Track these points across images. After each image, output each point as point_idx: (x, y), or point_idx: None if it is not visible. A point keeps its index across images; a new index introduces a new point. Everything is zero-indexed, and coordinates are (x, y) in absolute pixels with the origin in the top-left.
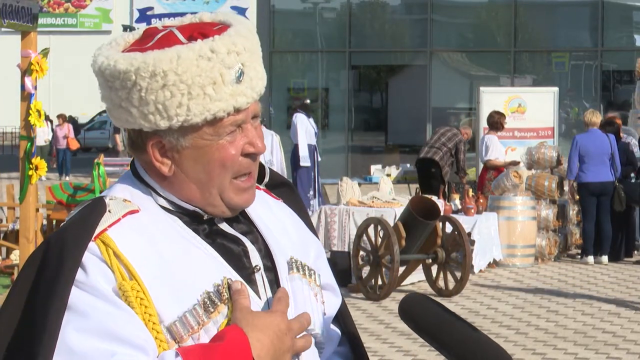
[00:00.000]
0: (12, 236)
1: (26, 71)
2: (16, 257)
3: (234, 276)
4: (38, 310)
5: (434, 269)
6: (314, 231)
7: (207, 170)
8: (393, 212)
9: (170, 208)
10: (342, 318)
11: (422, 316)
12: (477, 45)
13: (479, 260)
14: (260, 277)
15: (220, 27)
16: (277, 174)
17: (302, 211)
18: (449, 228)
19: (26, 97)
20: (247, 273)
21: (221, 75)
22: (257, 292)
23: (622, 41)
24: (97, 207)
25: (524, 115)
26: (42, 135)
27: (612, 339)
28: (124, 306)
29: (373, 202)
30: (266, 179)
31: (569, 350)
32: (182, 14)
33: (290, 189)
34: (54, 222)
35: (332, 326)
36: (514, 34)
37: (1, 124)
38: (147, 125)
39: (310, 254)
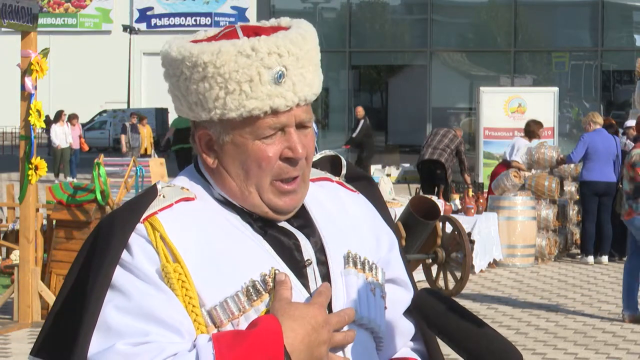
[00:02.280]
0: (12, 236)
1: (26, 71)
2: (16, 257)
3: (283, 268)
4: (86, 288)
5: (434, 269)
6: (392, 223)
7: (244, 168)
8: (393, 212)
9: (226, 201)
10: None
11: (433, 310)
12: (477, 45)
13: (479, 260)
14: (312, 271)
15: (278, 30)
16: (355, 167)
17: (381, 204)
18: (449, 228)
19: (26, 97)
20: (298, 267)
21: (259, 74)
22: (307, 286)
23: (622, 41)
24: (150, 192)
25: (524, 115)
26: (63, 137)
27: (612, 339)
28: (164, 288)
29: None
30: (343, 171)
31: (569, 350)
32: (182, 14)
33: (369, 182)
34: (54, 222)
35: (404, 320)
36: (514, 34)
37: (1, 124)
38: (192, 115)
39: (382, 247)
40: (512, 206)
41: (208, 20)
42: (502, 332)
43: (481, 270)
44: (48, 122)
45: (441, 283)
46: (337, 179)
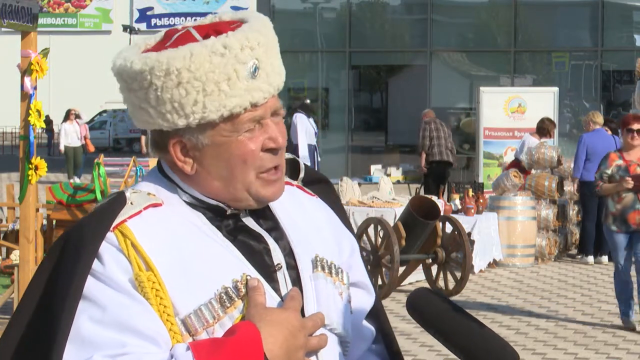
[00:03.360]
0: (12, 236)
1: (26, 71)
2: (16, 257)
3: (254, 274)
4: (55, 299)
5: (434, 269)
6: (350, 227)
7: (229, 167)
8: (393, 212)
9: (195, 203)
10: (377, 316)
11: (429, 310)
12: (477, 45)
13: (479, 260)
14: (282, 276)
15: (236, 25)
16: (312, 170)
17: (338, 208)
18: (449, 228)
19: (26, 97)
20: (268, 271)
21: (235, 71)
22: (278, 290)
23: (622, 41)
24: (118, 200)
25: (524, 115)
26: (74, 135)
27: (612, 339)
28: (138, 297)
29: (373, 202)
30: (301, 175)
31: (569, 350)
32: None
33: (326, 184)
34: (54, 222)
35: (365, 324)
36: (514, 34)
37: (1, 124)
38: (166, 125)
39: (344, 252)
40: (512, 206)
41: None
42: (502, 332)
43: (481, 270)
44: (48, 122)
45: (441, 283)
46: (296, 182)
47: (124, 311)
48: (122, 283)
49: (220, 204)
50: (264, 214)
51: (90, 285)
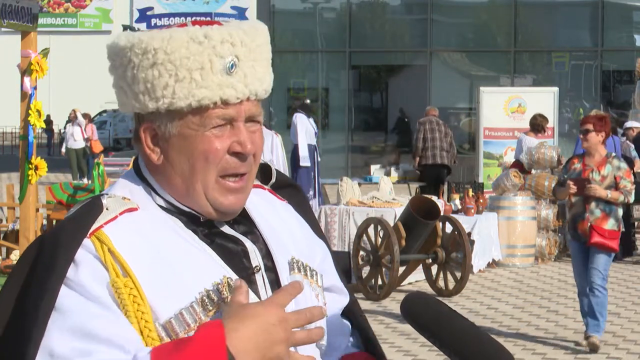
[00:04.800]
0: (12, 236)
1: (26, 71)
2: (16, 257)
3: (233, 277)
4: (29, 308)
5: (434, 269)
6: (321, 232)
7: (190, 162)
8: (393, 212)
9: (169, 208)
10: (352, 312)
11: (424, 314)
12: (477, 45)
13: (479, 260)
14: (261, 278)
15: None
16: (283, 175)
17: (308, 213)
18: (449, 228)
19: (26, 96)
20: (246, 273)
21: (210, 62)
22: (257, 292)
23: (622, 41)
24: (94, 205)
25: (524, 115)
26: (78, 136)
27: (612, 339)
28: (110, 305)
29: (373, 202)
30: (272, 180)
31: (569, 350)
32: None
33: (296, 190)
34: (54, 222)
35: (343, 321)
36: (514, 34)
37: (1, 124)
38: (138, 106)
39: (316, 256)
40: (512, 206)
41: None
42: (502, 332)
43: (481, 270)
44: (48, 122)
45: (441, 283)
46: (267, 187)
47: (93, 320)
48: (94, 291)
49: (192, 211)
50: (237, 218)
51: (63, 294)
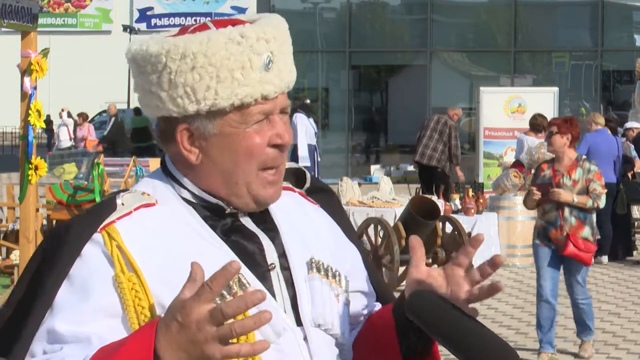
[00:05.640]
0: (12, 236)
1: (26, 71)
2: (16, 257)
3: (246, 273)
4: (32, 301)
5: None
6: (355, 237)
7: (233, 159)
8: (393, 212)
9: (193, 200)
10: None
11: (428, 310)
12: (477, 45)
13: (479, 260)
14: (276, 275)
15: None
16: (317, 180)
17: (342, 218)
18: (449, 228)
19: (25, 96)
20: (261, 271)
21: (250, 61)
22: (271, 289)
23: (622, 41)
24: (108, 201)
25: (524, 115)
26: (64, 136)
27: (612, 339)
28: (94, 296)
29: (373, 202)
30: (307, 185)
31: (569, 350)
32: (182, 14)
33: (330, 194)
34: (54, 222)
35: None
36: (514, 34)
37: (1, 124)
38: (176, 110)
39: (347, 260)
40: (512, 206)
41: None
42: (502, 332)
43: None
44: (48, 122)
45: None
46: (299, 190)
47: (73, 314)
48: (83, 283)
49: (220, 202)
50: (261, 216)
51: (63, 287)
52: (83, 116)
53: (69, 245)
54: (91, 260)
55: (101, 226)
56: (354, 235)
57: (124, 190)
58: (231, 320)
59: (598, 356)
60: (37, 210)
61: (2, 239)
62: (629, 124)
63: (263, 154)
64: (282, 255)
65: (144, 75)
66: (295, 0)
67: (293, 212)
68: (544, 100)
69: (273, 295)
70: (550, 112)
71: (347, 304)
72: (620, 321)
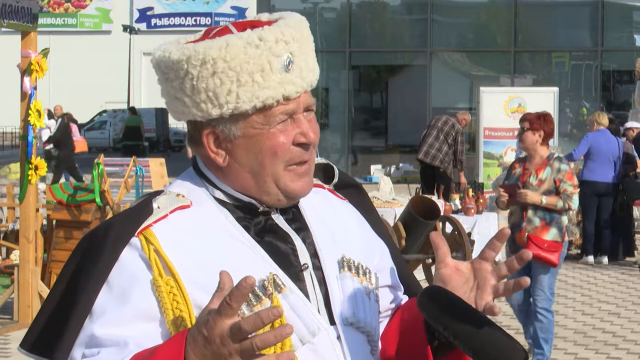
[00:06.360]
0: (12, 236)
1: (26, 71)
2: (16, 257)
3: (280, 274)
4: (69, 307)
5: (434, 269)
6: (385, 232)
7: (259, 159)
8: (393, 212)
9: (226, 200)
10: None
11: (440, 306)
12: (477, 45)
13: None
14: (309, 275)
15: (274, 22)
16: (346, 175)
17: (370, 213)
18: (449, 228)
19: (25, 96)
20: (295, 271)
21: (269, 63)
22: (305, 290)
23: (622, 41)
24: (145, 204)
25: None
26: (46, 137)
27: (612, 339)
28: (131, 302)
29: (373, 202)
30: (335, 180)
31: (569, 350)
32: (182, 14)
33: (358, 190)
34: (54, 222)
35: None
36: (514, 34)
37: (1, 124)
38: (200, 115)
39: (375, 255)
40: None
41: (208, 21)
42: None
43: None
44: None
45: None
46: (328, 186)
47: (112, 318)
48: (121, 288)
49: (253, 201)
50: (293, 215)
51: (102, 293)
52: (68, 116)
53: (107, 249)
54: (129, 265)
55: (138, 230)
56: (383, 229)
57: (158, 193)
58: (254, 334)
59: (598, 356)
60: (37, 210)
61: (2, 239)
62: (629, 124)
63: (288, 152)
64: (314, 254)
65: (168, 81)
66: (295, 0)
67: (323, 210)
68: (544, 100)
69: (307, 295)
70: (550, 112)
71: (377, 300)
72: (620, 321)
